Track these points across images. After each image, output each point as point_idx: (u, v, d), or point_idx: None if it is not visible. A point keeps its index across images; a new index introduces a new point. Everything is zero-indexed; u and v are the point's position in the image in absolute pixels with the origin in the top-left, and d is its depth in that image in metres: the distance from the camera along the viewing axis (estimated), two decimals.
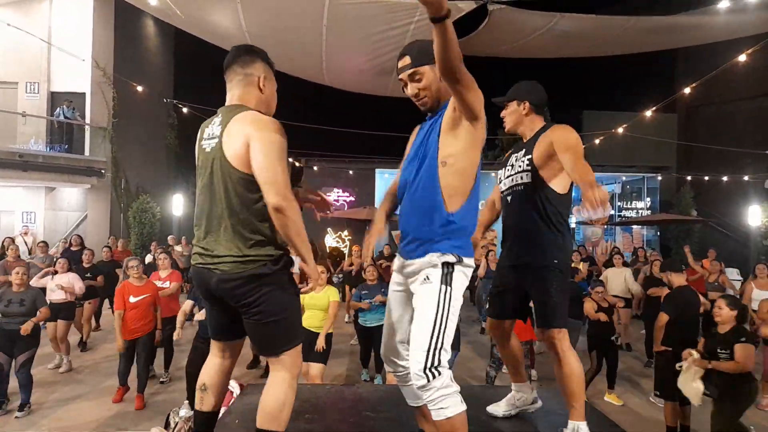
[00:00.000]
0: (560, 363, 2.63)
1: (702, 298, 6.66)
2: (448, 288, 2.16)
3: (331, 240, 17.89)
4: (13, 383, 6.05)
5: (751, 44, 9.36)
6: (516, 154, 2.87)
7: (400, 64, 2.35)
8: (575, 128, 2.72)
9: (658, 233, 19.42)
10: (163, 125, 20.02)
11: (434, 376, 2.07)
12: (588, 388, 6.54)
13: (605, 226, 18.80)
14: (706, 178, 18.62)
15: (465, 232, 2.26)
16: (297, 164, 13.60)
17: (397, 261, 2.44)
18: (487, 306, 3.11)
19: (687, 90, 11.49)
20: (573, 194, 2.74)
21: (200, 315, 5.34)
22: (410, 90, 2.35)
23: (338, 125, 16.31)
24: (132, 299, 6.23)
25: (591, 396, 6.54)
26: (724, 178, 18.09)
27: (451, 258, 2.19)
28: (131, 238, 15.61)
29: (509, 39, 10.94)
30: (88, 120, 15.82)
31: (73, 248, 10.65)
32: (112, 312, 9.83)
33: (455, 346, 6.08)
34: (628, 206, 19.81)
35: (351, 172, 18.49)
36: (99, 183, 15.88)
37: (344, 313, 11.19)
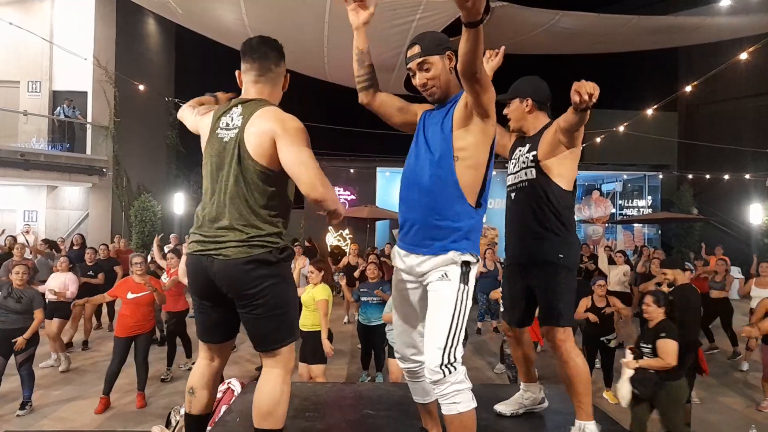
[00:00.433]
0: (565, 363, 2.60)
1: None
2: (466, 287, 2.18)
3: (332, 238, 17.89)
4: (8, 384, 6.07)
5: (752, 43, 9.34)
6: (520, 148, 2.83)
7: (410, 53, 2.33)
8: None
9: (659, 232, 19.40)
10: (165, 124, 20.02)
11: (450, 372, 2.09)
12: None
13: (606, 225, 18.79)
14: (707, 176, 18.59)
15: (479, 230, 2.29)
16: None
17: (403, 255, 2.35)
18: (502, 309, 3.12)
19: (688, 88, 11.46)
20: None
21: None
22: (418, 79, 2.32)
23: (339, 124, 16.33)
24: (129, 295, 6.21)
25: None
26: (725, 177, 18.07)
27: (470, 258, 2.20)
28: (132, 236, 15.63)
29: (510, 35, 10.93)
30: (89, 119, 15.83)
31: (75, 247, 10.67)
32: (109, 312, 9.89)
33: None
34: (629, 204, 19.78)
35: (352, 170, 18.49)
36: (100, 182, 15.89)
37: (343, 313, 11.20)
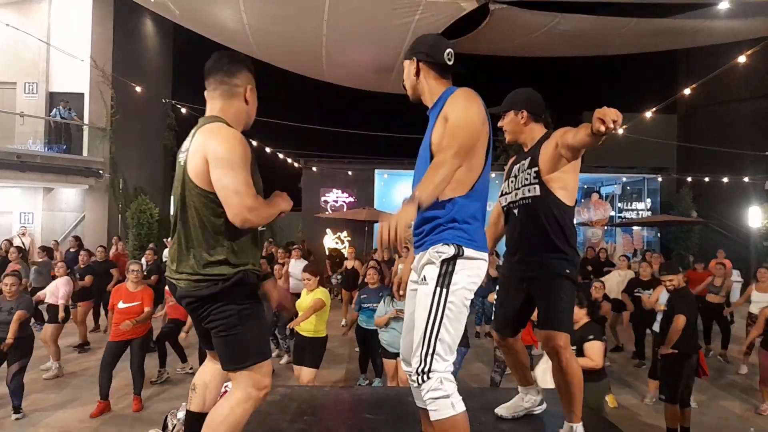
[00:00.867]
0: (564, 369, 2.61)
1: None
2: (444, 290, 2.10)
3: (330, 241, 17.85)
4: (2, 389, 6.02)
5: (751, 46, 9.35)
6: (519, 165, 2.82)
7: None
8: None
9: (659, 234, 19.41)
10: (162, 126, 20.00)
11: (423, 381, 2.07)
12: None
13: (605, 228, 18.79)
14: (707, 179, 18.60)
15: (469, 219, 2.17)
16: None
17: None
18: (492, 317, 3.09)
19: (687, 91, 11.48)
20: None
21: None
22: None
23: (337, 126, 16.31)
24: (121, 305, 6.17)
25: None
26: (725, 180, 18.07)
27: (451, 251, 2.11)
28: (129, 238, 15.58)
29: (510, 38, 10.94)
30: (86, 120, 15.80)
31: (71, 250, 10.64)
32: (106, 314, 9.84)
33: (463, 342, 6.04)
34: (629, 207, 19.78)
35: (350, 173, 18.46)
36: (97, 183, 15.86)
37: (341, 317, 11.16)
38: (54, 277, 8.05)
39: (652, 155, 20.43)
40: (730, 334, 8.92)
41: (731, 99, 19.91)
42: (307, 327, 5.74)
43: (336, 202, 18.40)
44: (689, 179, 19.47)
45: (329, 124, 16.73)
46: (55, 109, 15.21)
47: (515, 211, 2.79)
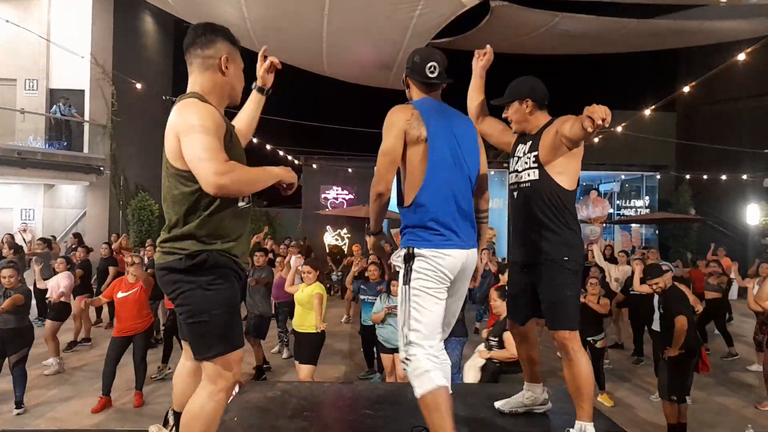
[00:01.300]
0: (571, 362, 2.59)
1: (694, 297, 6.69)
2: (407, 287, 2.34)
3: (330, 238, 17.88)
4: (2, 385, 6.05)
5: (751, 44, 9.37)
6: (522, 146, 2.82)
7: None
8: None
9: (657, 232, 19.43)
10: (162, 122, 19.48)
11: (407, 365, 2.32)
12: None
13: (604, 225, 18.81)
14: (705, 176, 18.62)
15: (420, 225, 2.35)
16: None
17: None
18: (507, 306, 3.12)
19: (686, 89, 11.48)
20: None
21: None
22: None
23: (337, 123, 16.30)
24: (119, 294, 6.22)
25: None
26: (723, 177, 18.10)
27: (403, 252, 2.37)
28: (131, 234, 15.59)
29: (510, 36, 10.94)
30: (87, 117, 15.79)
31: (72, 247, 10.68)
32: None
33: (461, 332, 6.08)
34: (627, 205, 19.81)
35: (350, 170, 18.46)
36: (98, 180, 15.85)
37: (343, 312, 11.19)
38: (54, 271, 8.08)
39: (650, 153, 20.42)
40: (729, 333, 8.97)
41: (730, 97, 19.89)
42: (304, 323, 5.77)
43: (336, 199, 18.42)
44: (688, 177, 19.49)
45: (329, 122, 16.71)
46: (55, 106, 15.19)
47: (515, 194, 2.81)
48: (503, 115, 2.90)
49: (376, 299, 6.68)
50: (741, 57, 9.27)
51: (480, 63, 3.01)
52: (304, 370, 5.70)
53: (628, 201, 19.86)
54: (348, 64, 12.03)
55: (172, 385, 5.79)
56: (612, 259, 11.70)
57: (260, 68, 2.68)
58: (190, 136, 1.98)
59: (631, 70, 23.45)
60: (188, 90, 2.24)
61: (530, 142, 2.76)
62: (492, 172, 18.23)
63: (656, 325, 6.16)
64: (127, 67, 16.36)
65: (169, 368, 7.25)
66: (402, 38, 9.79)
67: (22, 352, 5.87)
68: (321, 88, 19.51)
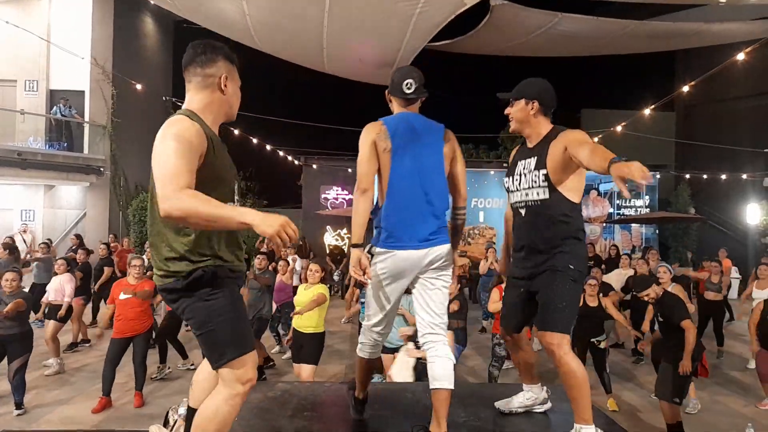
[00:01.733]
0: (559, 368, 2.56)
1: (685, 294, 6.72)
2: (371, 279, 2.65)
3: (330, 238, 17.90)
4: (4, 385, 6.06)
5: (750, 44, 9.38)
6: (524, 162, 2.77)
7: None
8: (573, 127, 2.72)
9: (657, 231, 19.43)
10: (162, 123, 19.90)
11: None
12: None
13: (604, 224, 18.81)
14: (705, 176, 18.63)
15: (383, 225, 2.66)
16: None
17: None
18: (501, 314, 3.11)
19: (685, 88, 11.51)
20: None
21: None
22: None
23: (337, 123, 16.31)
24: (121, 296, 6.20)
25: None
26: (723, 177, 18.11)
27: (368, 248, 2.67)
28: (131, 236, 15.61)
29: (509, 37, 10.93)
30: (87, 118, 15.80)
31: (73, 248, 10.70)
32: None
33: (462, 341, 6.13)
34: (627, 204, 19.77)
35: (350, 170, 18.46)
36: (98, 181, 15.87)
37: (343, 313, 11.18)
38: (55, 273, 8.09)
39: (650, 152, 20.39)
40: (723, 334, 9.00)
41: (729, 96, 19.91)
42: (305, 323, 5.76)
43: (336, 199, 18.43)
44: (687, 176, 19.50)
45: (329, 122, 16.73)
46: (55, 107, 15.21)
47: (522, 211, 2.78)
48: (505, 111, 2.83)
49: None
50: (740, 56, 9.29)
51: None
52: (305, 370, 5.70)
53: (627, 200, 19.84)
54: (348, 61, 11.99)
55: (171, 385, 5.83)
56: (616, 258, 11.71)
57: None
58: (159, 156, 2.00)
59: (630, 70, 23.47)
60: (184, 106, 2.26)
61: (535, 158, 2.70)
62: (492, 173, 18.30)
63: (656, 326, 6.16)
64: (127, 68, 16.37)
65: (169, 368, 7.26)
66: (402, 36, 9.78)
67: (23, 357, 5.85)
68: (321, 88, 19.53)
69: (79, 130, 15.92)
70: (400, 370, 4.98)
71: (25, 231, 12.76)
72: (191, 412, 2.47)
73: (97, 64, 15.77)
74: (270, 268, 8.02)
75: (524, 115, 2.75)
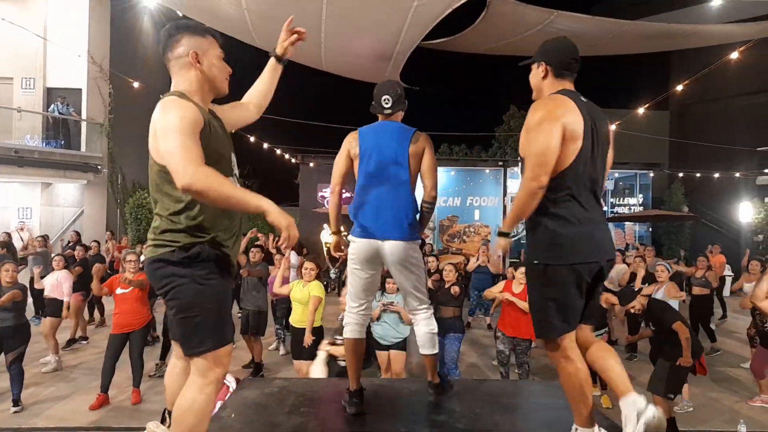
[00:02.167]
0: (557, 370, 2.46)
1: (676, 291, 6.78)
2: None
3: (327, 235, 17.91)
4: (1, 383, 6.09)
5: (744, 44, 9.45)
6: None
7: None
8: None
9: (650, 229, 19.54)
10: None
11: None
12: None
13: None
14: (698, 174, 18.73)
15: (352, 218, 3.11)
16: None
17: None
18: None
19: (679, 87, 11.57)
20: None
21: None
22: None
23: (334, 121, 16.32)
24: (118, 291, 6.22)
25: None
26: (716, 175, 18.21)
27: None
28: (128, 233, 15.62)
29: (505, 36, 10.93)
30: (84, 116, 15.78)
31: (70, 244, 10.70)
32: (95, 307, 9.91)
33: (459, 329, 6.21)
34: (621, 203, 19.89)
35: None
36: (95, 179, 15.85)
37: (338, 311, 11.22)
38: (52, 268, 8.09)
39: (644, 151, 20.50)
40: (712, 330, 9.08)
41: (723, 95, 19.99)
42: (300, 318, 5.81)
43: None
44: (681, 175, 19.58)
45: (326, 120, 16.74)
46: (53, 105, 15.18)
47: None
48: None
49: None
50: (734, 56, 9.35)
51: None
52: (304, 366, 5.74)
53: (621, 199, 19.94)
54: (346, 56, 11.94)
55: None
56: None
57: (284, 39, 2.73)
58: (166, 134, 2.00)
59: (624, 69, 23.51)
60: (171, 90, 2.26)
61: None
62: (487, 171, 18.35)
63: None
64: (124, 65, 16.33)
65: (167, 365, 7.28)
66: (399, 28, 9.75)
67: (19, 349, 5.89)
68: (318, 87, 19.54)
69: (77, 128, 15.89)
70: (317, 364, 5.02)
71: (22, 229, 12.73)
72: (169, 414, 2.44)
73: (94, 62, 15.73)
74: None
75: (535, 81, 2.55)
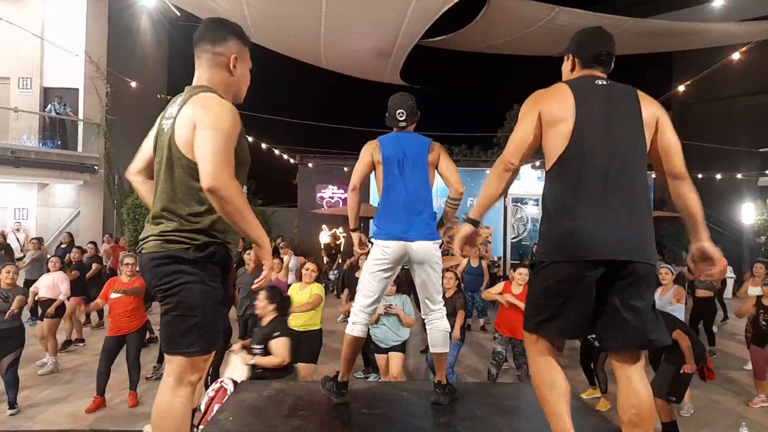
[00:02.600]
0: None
1: (682, 291, 6.72)
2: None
3: (325, 237, 17.87)
4: None
5: (746, 43, 9.41)
6: None
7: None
8: None
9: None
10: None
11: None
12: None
13: None
14: (700, 175, 18.67)
15: (375, 221, 3.24)
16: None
17: None
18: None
19: (681, 88, 11.53)
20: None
21: None
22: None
23: (333, 122, 16.31)
24: (113, 294, 6.15)
25: (580, 391, 6.56)
26: (718, 176, 18.18)
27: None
28: (126, 234, 15.55)
29: (505, 32, 10.88)
30: (81, 116, 15.73)
31: (63, 246, 10.60)
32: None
33: (460, 336, 6.16)
34: None
35: (345, 168, 18.42)
36: (92, 179, 15.80)
37: (338, 312, 11.15)
38: (47, 270, 8.03)
39: None
40: (714, 333, 9.03)
41: (725, 96, 19.97)
42: (301, 322, 5.73)
43: (332, 198, 18.42)
44: None
45: (325, 120, 16.74)
46: (50, 105, 15.14)
47: None
48: None
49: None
50: (736, 56, 9.31)
51: None
52: (304, 368, 5.67)
53: None
54: (346, 51, 11.87)
55: None
56: None
57: None
58: (208, 131, 1.98)
59: (626, 69, 23.41)
60: (195, 83, 2.23)
61: None
62: (487, 172, 18.28)
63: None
64: (121, 65, 16.30)
65: (163, 368, 7.21)
66: (399, 25, 9.71)
67: (15, 353, 5.83)
68: (316, 87, 19.49)
69: (73, 128, 15.85)
70: (236, 368, 4.83)
71: (18, 230, 12.69)
72: None
73: (91, 62, 15.70)
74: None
75: (564, 74, 2.45)
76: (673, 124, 2.42)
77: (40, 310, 7.70)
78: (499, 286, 6.58)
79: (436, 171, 3.32)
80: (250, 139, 16.19)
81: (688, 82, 10.94)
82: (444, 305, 3.34)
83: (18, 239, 11.54)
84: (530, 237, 16.92)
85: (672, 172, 2.37)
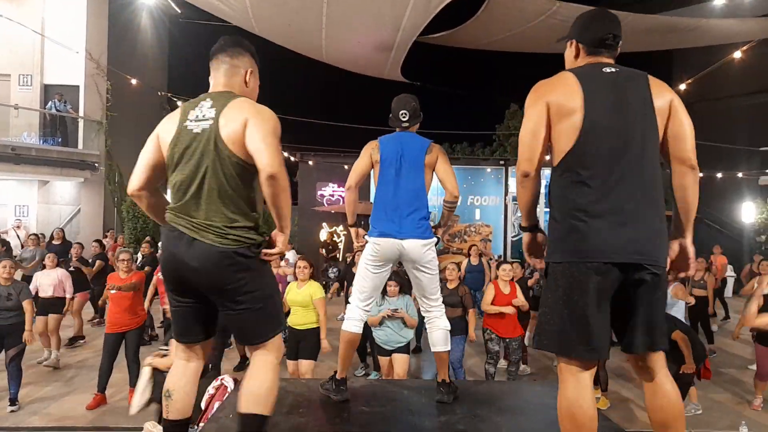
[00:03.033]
0: None
1: (684, 293, 6.70)
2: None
3: (325, 234, 17.86)
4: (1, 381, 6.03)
5: (746, 43, 9.40)
6: None
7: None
8: None
9: None
10: (158, 118, 19.41)
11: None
12: None
13: None
14: (701, 174, 18.63)
15: (370, 219, 3.27)
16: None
17: None
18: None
19: (682, 86, 11.52)
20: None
21: None
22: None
23: (333, 119, 16.31)
24: (112, 291, 6.14)
25: None
26: (718, 175, 18.18)
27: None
28: (125, 232, 15.55)
29: (506, 27, 10.84)
30: (81, 113, 15.71)
31: (54, 242, 10.57)
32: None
33: (464, 330, 6.13)
34: None
35: (346, 166, 18.40)
36: (92, 176, 15.80)
37: (339, 310, 11.15)
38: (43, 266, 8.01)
39: None
40: (711, 332, 9.03)
41: (726, 95, 19.95)
42: (300, 320, 5.71)
43: (332, 195, 18.39)
44: None
45: (325, 118, 16.74)
46: (50, 102, 15.12)
47: None
48: None
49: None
50: (737, 55, 9.31)
51: None
52: (305, 366, 5.66)
53: None
54: (347, 44, 11.81)
55: None
56: None
57: None
58: (267, 132, 2.15)
59: (627, 67, 23.51)
60: (213, 89, 2.38)
61: None
62: (488, 170, 18.32)
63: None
64: (122, 62, 16.28)
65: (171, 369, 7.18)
66: (400, 18, 9.66)
67: (20, 346, 5.86)
68: (318, 85, 19.50)
69: (74, 125, 15.85)
70: (141, 387, 4.69)
71: (18, 227, 12.68)
72: (171, 426, 2.36)
73: (91, 59, 15.68)
74: None
75: (568, 61, 2.31)
76: None
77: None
78: (490, 292, 6.47)
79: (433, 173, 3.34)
80: None
81: (689, 81, 10.94)
82: (443, 302, 3.38)
83: (18, 236, 11.53)
84: None
85: (680, 156, 2.20)
